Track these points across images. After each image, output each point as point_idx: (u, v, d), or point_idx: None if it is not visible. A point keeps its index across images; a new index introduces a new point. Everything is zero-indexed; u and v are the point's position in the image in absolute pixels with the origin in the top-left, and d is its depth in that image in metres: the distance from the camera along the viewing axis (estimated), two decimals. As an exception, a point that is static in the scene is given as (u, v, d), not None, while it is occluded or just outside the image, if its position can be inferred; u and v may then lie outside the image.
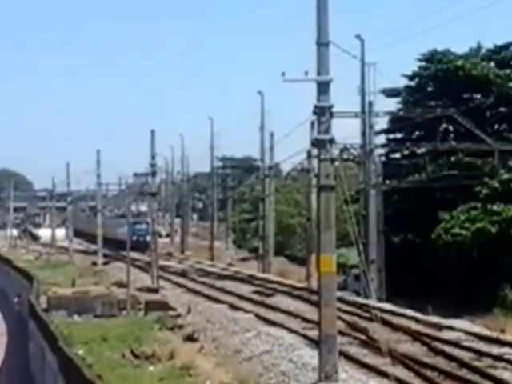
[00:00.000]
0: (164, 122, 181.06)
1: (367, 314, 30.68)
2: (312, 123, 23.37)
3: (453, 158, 53.41)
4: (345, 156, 44.78)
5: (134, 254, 59.77)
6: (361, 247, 23.68)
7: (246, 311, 34.33)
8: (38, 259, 71.42)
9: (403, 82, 60.64)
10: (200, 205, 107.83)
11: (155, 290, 43.26)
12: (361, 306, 34.36)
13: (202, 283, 47.64)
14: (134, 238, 67.54)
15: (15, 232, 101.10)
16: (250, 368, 23.88)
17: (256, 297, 40.12)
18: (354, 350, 25.28)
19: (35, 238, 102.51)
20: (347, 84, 43.01)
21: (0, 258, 73.30)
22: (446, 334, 28.13)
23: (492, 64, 59.15)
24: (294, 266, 65.35)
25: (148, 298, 38.44)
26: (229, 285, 46.11)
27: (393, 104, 60.04)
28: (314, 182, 41.31)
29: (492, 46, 59.94)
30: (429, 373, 22.21)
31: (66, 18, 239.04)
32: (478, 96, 58.44)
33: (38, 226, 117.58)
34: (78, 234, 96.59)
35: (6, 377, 34.63)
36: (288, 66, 21.48)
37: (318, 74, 20.13)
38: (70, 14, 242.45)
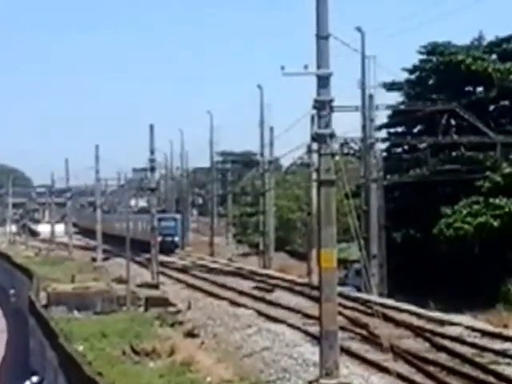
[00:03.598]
0: (163, 117, 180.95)
1: (368, 310, 30.47)
2: (312, 117, 23.15)
3: (454, 152, 53.19)
4: (345, 150, 44.61)
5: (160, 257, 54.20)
6: (362, 242, 23.48)
7: (246, 307, 34.12)
8: (37, 255, 71.20)
9: (404, 76, 60.36)
10: (200, 200, 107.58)
11: (155, 286, 43.09)
12: (362, 301, 34.14)
13: (203, 279, 47.44)
14: (160, 238, 54.77)
15: (14, 228, 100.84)
16: (250, 364, 23.73)
17: (257, 292, 39.92)
18: (356, 346, 25.10)
19: (34, 234, 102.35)
20: (347, 77, 42.78)
21: (-1, 254, 73.10)
22: (448, 330, 27.92)
23: (494, 56, 58.80)
24: (294, 261, 65.11)
25: (148, 294, 38.28)
26: (229, 280, 45.90)
27: (393, 98, 59.77)
28: (315, 176, 41.01)
29: (494, 38, 59.60)
30: (431, 369, 22.03)
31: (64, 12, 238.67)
32: (480, 89, 58.16)
33: (37, 221, 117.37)
34: (82, 231, 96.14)
35: (6, 373, 34.47)
36: (287, 59, 21.30)
37: (318, 67, 19.92)
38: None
